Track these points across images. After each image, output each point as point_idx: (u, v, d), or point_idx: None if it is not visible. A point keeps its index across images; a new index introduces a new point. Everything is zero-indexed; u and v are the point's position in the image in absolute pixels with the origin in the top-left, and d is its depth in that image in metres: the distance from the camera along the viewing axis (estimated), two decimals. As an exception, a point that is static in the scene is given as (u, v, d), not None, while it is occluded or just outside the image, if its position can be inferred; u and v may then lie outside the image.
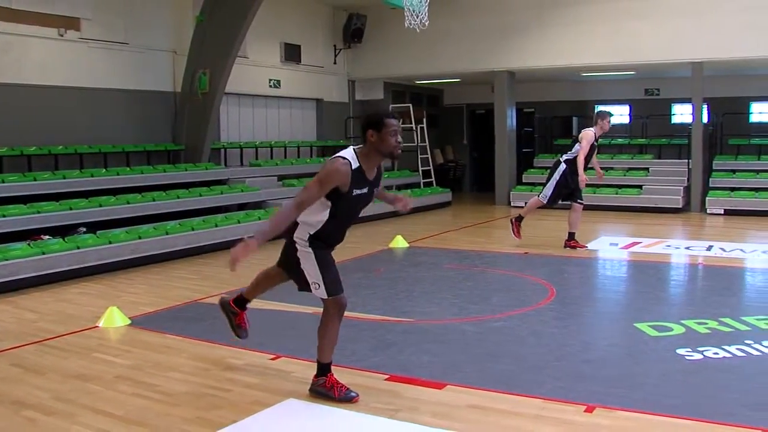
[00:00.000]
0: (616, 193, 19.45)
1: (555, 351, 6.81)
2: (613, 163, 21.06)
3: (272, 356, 6.71)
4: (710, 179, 19.43)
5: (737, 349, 6.63)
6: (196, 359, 6.70)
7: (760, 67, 19.21)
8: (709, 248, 12.74)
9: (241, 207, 15.42)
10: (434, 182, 22.13)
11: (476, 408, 5.35)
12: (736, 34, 17.22)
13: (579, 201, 12.57)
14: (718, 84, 20.43)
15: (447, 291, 9.82)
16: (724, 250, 12.47)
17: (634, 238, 13.93)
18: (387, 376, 6.05)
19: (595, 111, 12.50)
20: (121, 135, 14.95)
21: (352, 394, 5.48)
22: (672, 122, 22.38)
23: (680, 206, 18.80)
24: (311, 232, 5.33)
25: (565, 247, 12.59)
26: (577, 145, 12.26)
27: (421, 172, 21.81)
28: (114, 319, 8.02)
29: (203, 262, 11.97)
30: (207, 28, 15.24)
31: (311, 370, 5.82)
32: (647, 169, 20.47)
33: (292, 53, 19.51)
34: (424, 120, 22.34)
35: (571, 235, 12.69)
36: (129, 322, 8.08)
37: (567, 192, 12.46)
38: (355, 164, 5.19)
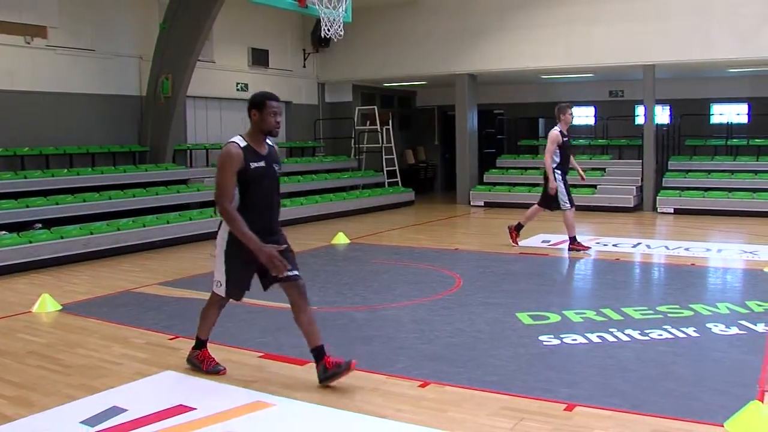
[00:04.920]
0: (573, 194, 20.11)
1: (426, 335, 7.58)
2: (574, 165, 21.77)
3: (171, 336, 7.55)
4: (663, 179, 20.14)
5: (597, 336, 7.34)
6: (104, 338, 7.55)
7: (717, 69, 20.03)
8: (636, 245, 13.42)
9: (203, 205, 16.19)
10: (399, 182, 22.87)
11: (324, 380, 6.14)
12: (685, 37, 18.04)
13: (564, 209, 12.70)
14: (680, 86, 21.25)
15: (360, 283, 10.58)
16: (649, 247, 13.20)
17: (566, 236, 14.59)
18: (261, 354, 6.87)
19: (556, 108, 12.84)
20: (88, 137, 15.78)
21: (219, 368, 6.23)
22: (636, 123, 23.05)
23: (632, 205, 19.52)
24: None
25: (569, 250, 12.73)
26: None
27: (385, 172, 22.55)
28: (46, 305, 8.90)
29: (151, 257, 12.82)
30: (169, 35, 16.05)
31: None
32: (604, 169, 21.19)
33: (259, 57, 20.34)
34: (390, 122, 23.06)
35: (518, 226, 13.19)
36: (60, 307, 8.94)
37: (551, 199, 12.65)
38: (243, 143, 5.68)
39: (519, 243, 13.31)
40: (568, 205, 12.54)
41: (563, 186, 12.49)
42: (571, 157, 12.77)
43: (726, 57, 17.90)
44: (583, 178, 13.33)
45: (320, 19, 13.21)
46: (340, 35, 13.34)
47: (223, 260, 5.89)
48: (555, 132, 12.41)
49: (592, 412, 5.39)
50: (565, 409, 5.43)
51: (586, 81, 23.23)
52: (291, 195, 18.25)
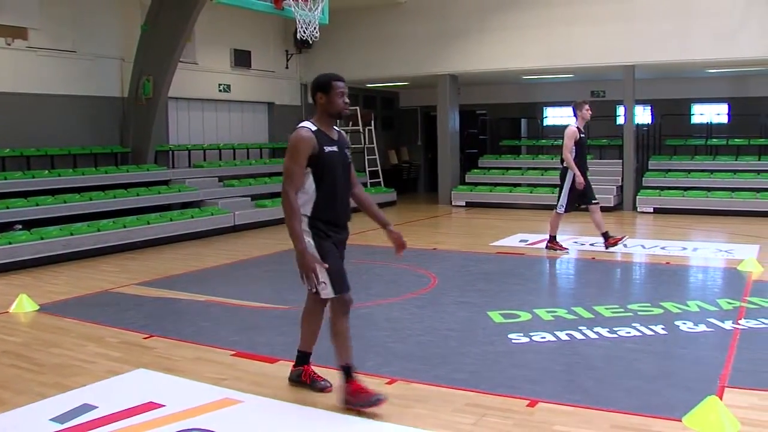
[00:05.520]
0: (552, 192, 20.30)
1: (397, 334, 7.71)
2: (554, 164, 21.93)
3: (145, 336, 7.63)
4: (643, 179, 20.30)
5: (566, 334, 7.47)
6: (79, 338, 7.64)
7: (696, 70, 20.26)
8: (596, 244, 13.51)
9: (184, 206, 16.29)
10: (382, 183, 22.97)
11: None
12: (664, 38, 18.22)
13: (593, 202, 12.60)
14: (661, 86, 21.47)
15: (337, 282, 10.63)
16: (625, 246, 13.18)
17: (546, 235, 14.70)
18: (233, 352, 6.97)
19: (572, 104, 12.64)
20: (70, 139, 15.81)
21: (326, 384, 5.81)
22: (617, 123, 23.18)
23: (612, 205, 19.66)
24: (308, 213, 5.37)
25: (606, 248, 12.61)
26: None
27: (368, 172, 22.67)
28: (23, 305, 8.98)
29: (132, 257, 12.90)
30: (151, 37, 16.10)
31: (175, 348, 7.06)
32: (585, 169, 21.25)
33: (242, 59, 20.39)
34: (372, 122, 23.18)
35: (605, 235, 12.69)
36: (37, 307, 9.02)
37: (579, 195, 12.46)
38: (313, 128, 5.33)
39: (565, 247, 13.06)
40: (563, 209, 12.52)
41: (568, 188, 12.36)
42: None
43: (704, 58, 18.09)
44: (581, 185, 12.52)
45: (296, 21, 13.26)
46: (315, 37, 13.45)
47: (318, 257, 5.38)
48: (572, 128, 12.19)
49: (554, 408, 5.49)
50: (527, 405, 5.54)
51: (567, 81, 23.39)
52: (273, 195, 18.34)
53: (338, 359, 5.51)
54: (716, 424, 5.04)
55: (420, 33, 21.03)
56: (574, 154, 12.15)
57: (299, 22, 13.13)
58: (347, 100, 5.45)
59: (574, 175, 12.13)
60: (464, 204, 21.26)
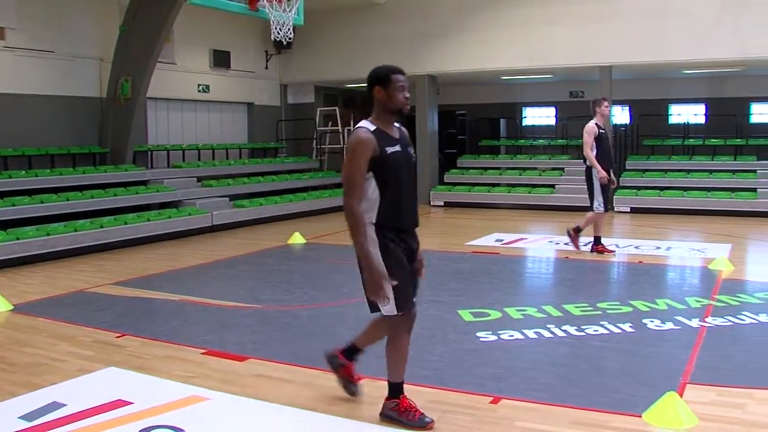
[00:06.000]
0: (529, 192, 20.49)
1: (367, 331, 7.79)
2: (533, 163, 22.15)
3: (118, 334, 7.69)
4: (620, 178, 20.41)
5: (534, 332, 7.55)
6: (52, 337, 7.68)
7: (673, 71, 20.47)
8: (587, 244, 13.60)
9: (163, 206, 16.31)
10: (361, 183, 22.91)
11: (261, 376, 6.32)
12: (640, 39, 18.39)
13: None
14: (639, 86, 21.64)
15: (311, 282, 10.72)
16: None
17: (522, 235, 14.89)
18: (204, 351, 7.04)
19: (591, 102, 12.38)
20: (48, 139, 15.85)
21: (427, 419, 5.13)
22: (596, 123, 23.34)
23: (590, 205, 19.69)
24: (373, 221, 4.88)
25: (591, 251, 12.46)
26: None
27: (347, 172, 22.61)
28: (-4, 305, 9.00)
29: (109, 257, 12.91)
30: (129, 38, 16.11)
31: (147, 347, 7.14)
32: (563, 169, 21.45)
33: (221, 59, 20.45)
34: (351, 122, 23.21)
35: (597, 239, 12.66)
36: (11, 307, 9.03)
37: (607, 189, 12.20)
38: (372, 127, 4.90)
39: (611, 250, 12.80)
40: (602, 208, 12.22)
41: (600, 187, 12.08)
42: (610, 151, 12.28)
43: (680, 59, 18.31)
44: (613, 183, 12.52)
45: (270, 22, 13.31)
46: (289, 38, 13.50)
47: (386, 275, 4.89)
48: (591, 124, 11.97)
49: (517, 404, 5.58)
50: (491, 402, 5.62)
51: (547, 82, 23.54)
52: (252, 195, 18.42)
53: (391, 375, 5.22)
54: (674, 419, 5.15)
55: (399, 33, 21.12)
56: (595, 151, 11.95)
57: (273, 23, 13.15)
58: (408, 95, 4.99)
59: (609, 170, 12.01)
60: (443, 204, 21.36)
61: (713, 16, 17.56)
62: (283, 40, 13.41)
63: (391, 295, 4.86)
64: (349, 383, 5.59)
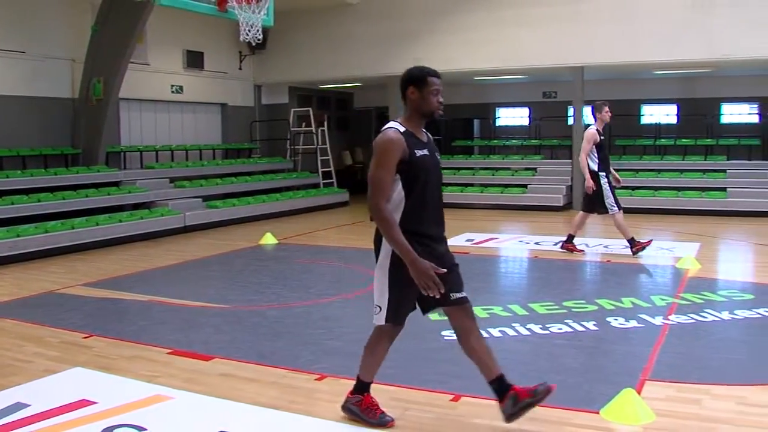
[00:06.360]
0: (502, 192, 20.61)
1: (333, 331, 7.83)
2: (506, 164, 22.28)
3: (85, 335, 7.71)
4: (592, 178, 20.55)
5: (499, 331, 7.62)
6: (18, 338, 7.69)
7: (644, 71, 20.73)
8: (557, 243, 13.69)
9: (136, 207, 16.29)
10: (335, 183, 23.05)
11: (225, 375, 6.38)
12: (611, 40, 18.55)
13: (593, 210, 12.24)
14: (611, 87, 21.83)
15: (280, 282, 10.77)
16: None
17: (493, 234, 14.97)
18: (170, 351, 7.08)
19: (591, 106, 12.18)
20: (19, 140, 15.81)
21: (387, 418, 5.18)
22: (569, 123, 23.44)
23: (561, 204, 19.92)
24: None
25: (633, 253, 12.13)
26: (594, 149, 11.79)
27: (320, 173, 22.75)
28: (-36, 307, 9.00)
29: (80, 258, 12.89)
30: (101, 38, 16.09)
31: (114, 347, 7.18)
32: (535, 169, 21.60)
33: (194, 60, 20.44)
34: (325, 123, 23.30)
35: (569, 238, 12.64)
36: (-21, 309, 9.04)
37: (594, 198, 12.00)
38: (402, 128, 4.77)
39: (582, 249, 12.79)
40: (616, 208, 11.87)
41: (609, 188, 11.83)
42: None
43: (650, 59, 18.52)
44: (618, 183, 12.32)
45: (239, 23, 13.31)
46: (258, 39, 13.50)
47: (387, 279, 4.87)
48: (592, 130, 11.80)
49: (477, 402, 5.64)
50: (451, 400, 5.71)
51: (520, 82, 23.67)
52: (225, 196, 18.42)
53: (362, 373, 5.24)
54: (631, 415, 5.25)
55: (372, 34, 21.19)
56: (597, 158, 11.81)
57: (242, 24, 13.13)
58: (441, 100, 4.85)
59: (606, 175, 11.86)
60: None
61: (682, 18, 17.75)
62: (252, 42, 13.40)
63: (385, 304, 4.86)
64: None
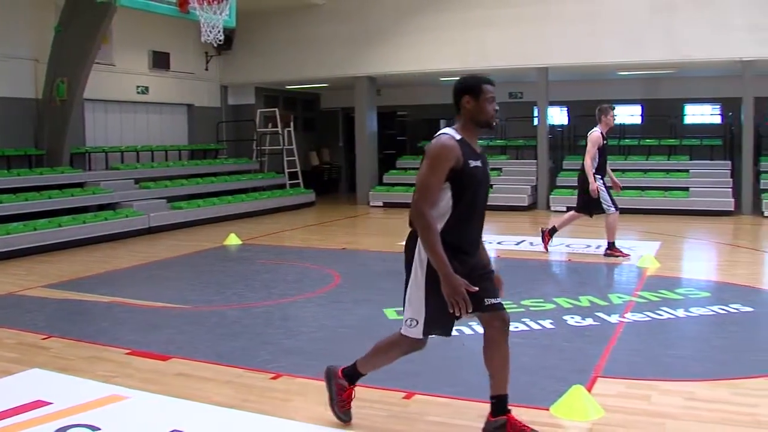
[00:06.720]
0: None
1: (291, 330, 7.91)
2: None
3: (44, 336, 7.72)
4: (557, 178, 20.75)
5: (455, 330, 7.66)
6: (-25, 340, 7.70)
7: (609, 72, 20.96)
8: (519, 243, 13.84)
9: (100, 208, 16.25)
10: (301, 184, 23.10)
11: (182, 375, 6.41)
12: (575, 41, 18.81)
13: (584, 212, 12.24)
14: (576, 88, 22.06)
15: (241, 282, 10.78)
16: (532, 244, 13.65)
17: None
18: (128, 351, 7.11)
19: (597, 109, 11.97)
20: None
21: (346, 419, 5.26)
22: (534, 124, 23.58)
23: (526, 204, 20.07)
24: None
25: (605, 256, 12.16)
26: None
27: (287, 174, 22.79)
28: None
29: (43, 260, 12.84)
30: (65, 38, 16.02)
31: (72, 348, 7.20)
32: (501, 169, 21.73)
33: (160, 60, 20.41)
34: (292, 124, 23.34)
35: (552, 230, 12.63)
36: (-64, 312, 9.01)
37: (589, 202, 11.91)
38: (457, 136, 4.64)
39: (549, 249, 12.74)
40: (613, 208, 11.78)
41: (605, 189, 11.75)
42: (606, 163, 11.96)
43: (614, 60, 18.73)
44: (618, 189, 12.22)
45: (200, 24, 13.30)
46: (220, 40, 13.51)
47: (423, 291, 4.66)
48: (596, 133, 11.61)
49: (430, 399, 5.73)
50: (404, 398, 5.78)
51: (486, 83, 23.67)
52: (191, 197, 18.41)
53: (362, 363, 5.19)
54: (581, 411, 5.35)
55: (338, 35, 21.27)
56: (597, 162, 11.70)
57: (203, 25, 13.14)
58: (497, 107, 4.81)
59: (601, 177, 11.78)
60: (382, 204, 21.52)
61: (645, 19, 18.00)
62: (214, 43, 13.41)
63: (422, 317, 4.69)
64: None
